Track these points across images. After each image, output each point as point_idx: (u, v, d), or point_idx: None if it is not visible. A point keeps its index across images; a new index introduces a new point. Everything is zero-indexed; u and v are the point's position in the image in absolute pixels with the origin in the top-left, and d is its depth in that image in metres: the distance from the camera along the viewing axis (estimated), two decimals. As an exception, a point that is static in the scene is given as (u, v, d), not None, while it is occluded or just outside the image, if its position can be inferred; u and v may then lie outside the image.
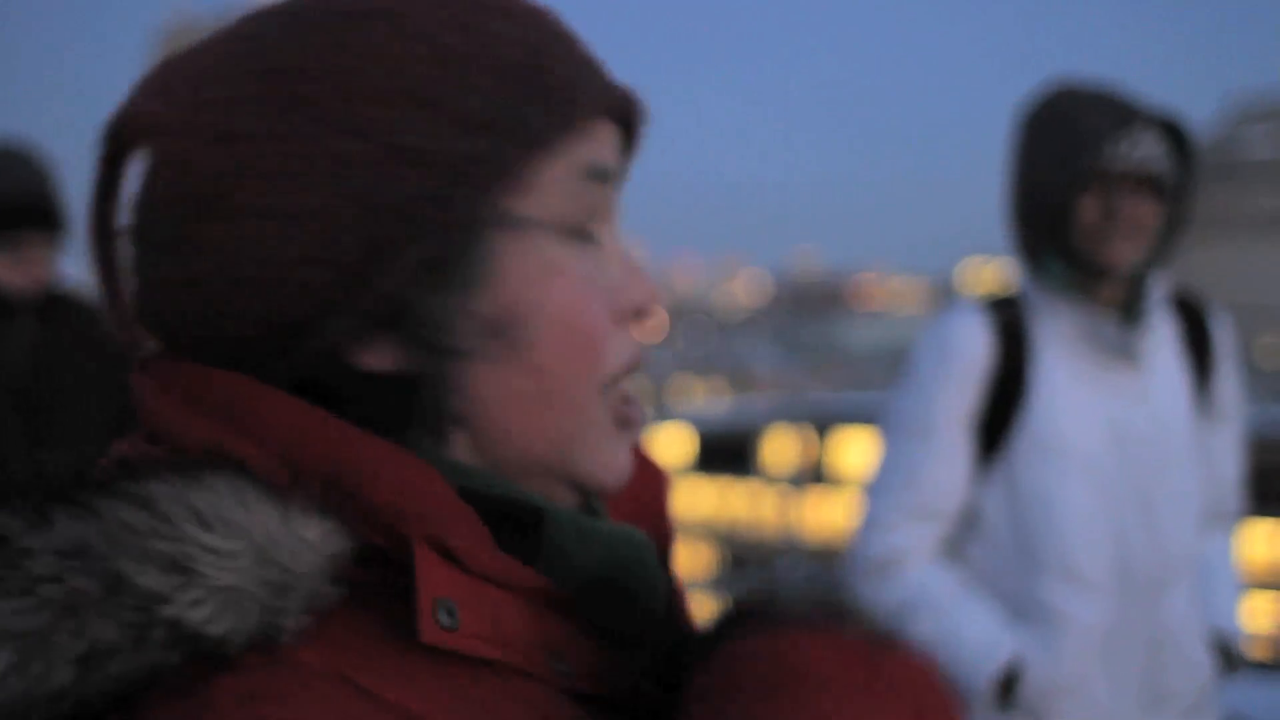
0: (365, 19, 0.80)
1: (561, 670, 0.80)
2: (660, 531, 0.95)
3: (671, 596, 0.91)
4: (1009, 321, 2.54)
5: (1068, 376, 2.51)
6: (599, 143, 0.85)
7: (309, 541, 0.74)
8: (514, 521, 0.82)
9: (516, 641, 0.78)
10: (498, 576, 0.78)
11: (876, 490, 2.59)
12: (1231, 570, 2.71)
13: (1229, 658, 2.60)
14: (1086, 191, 2.43)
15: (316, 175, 0.77)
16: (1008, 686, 2.45)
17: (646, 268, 0.88)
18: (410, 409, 0.81)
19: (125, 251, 0.83)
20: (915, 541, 2.54)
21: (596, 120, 0.85)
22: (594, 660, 0.82)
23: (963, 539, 2.57)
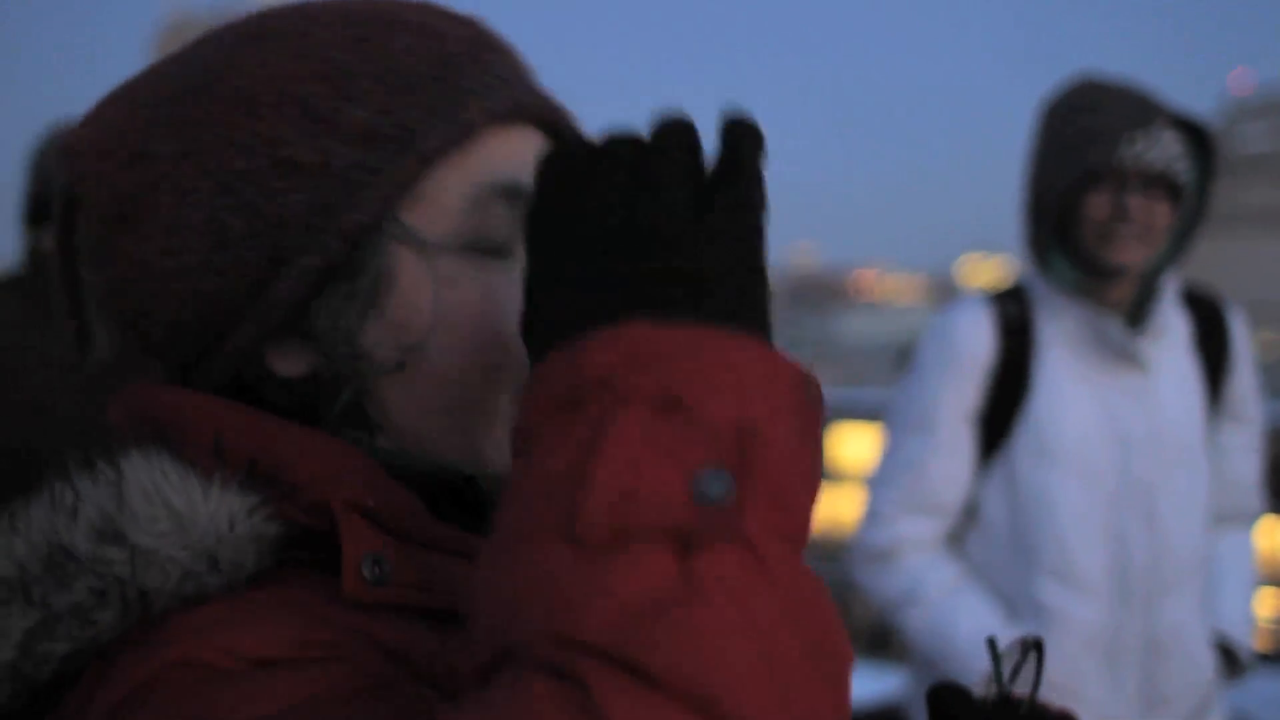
0: (263, 40, 0.85)
1: None
2: None
3: None
4: (1013, 317, 2.51)
5: (1070, 376, 2.49)
6: (512, 154, 0.85)
7: (230, 513, 0.78)
8: (455, 493, 0.85)
9: (458, 591, 0.79)
10: (439, 542, 0.81)
11: (878, 482, 2.59)
12: (1245, 572, 2.67)
13: (1233, 661, 2.58)
14: (1096, 188, 2.40)
15: (210, 190, 0.82)
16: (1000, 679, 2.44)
17: None
18: (328, 408, 0.85)
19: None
20: (914, 533, 2.53)
21: (506, 128, 0.86)
22: None
23: (964, 532, 2.57)
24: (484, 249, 0.85)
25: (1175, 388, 2.53)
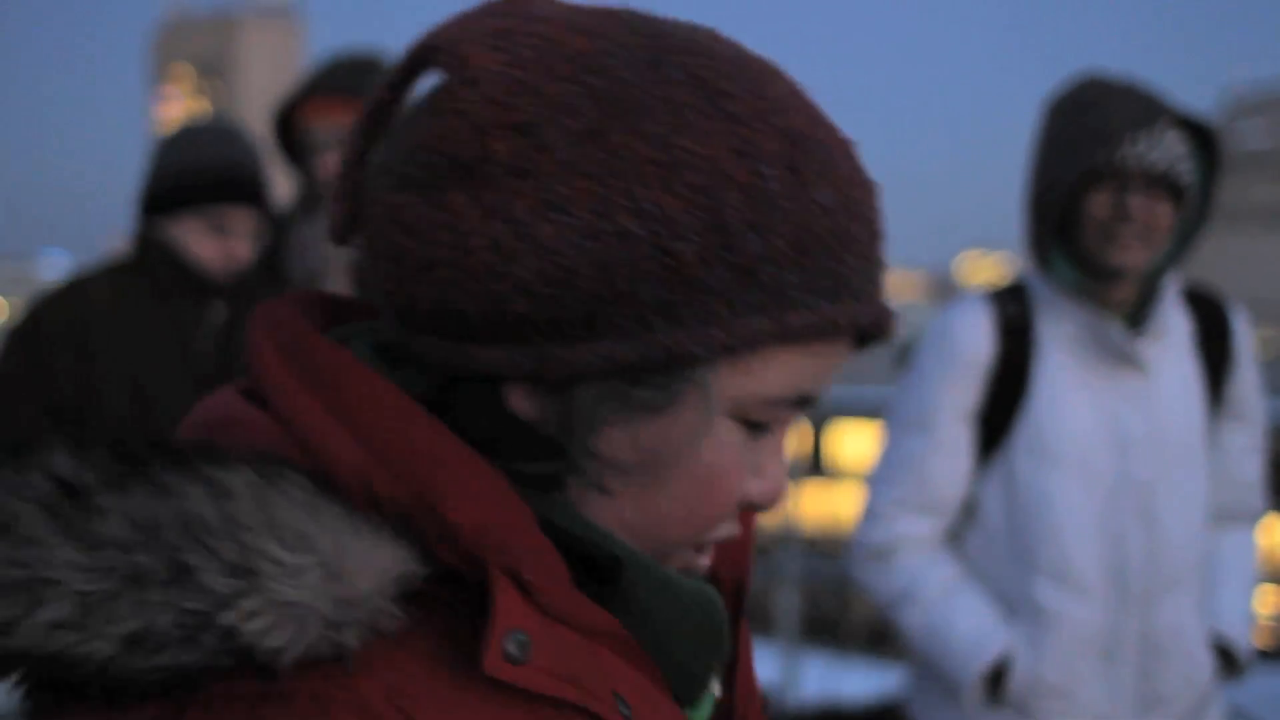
0: (711, 98, 0.77)
1: (625, 714, 0.78)
2: (737, 572, 0.94)
3: (734, 653, 0.91)
4: (1013, 317, 2.50)
5: (1070, 377, 2.48)
6: (827, 360, 0.81)
7: (379, 560, 0.73)
8: (593, 563, 0.80)
9: (585, 680, 0.77)
10: (570, 616, 0.77)
11: (876, 481, 2.59)
12: (1245, 571, 2.67)
13: (1231, 661, 2.59)
14: (1098, 188, 2.38)
15: (578, 223, 0.74)
16: (995, 682, 2.46)
17: (784, 472, 0.86)
18: (522, 451, 0.79)
19: (380, 148, 0.81)
20: (913, 532, 2.53)
21: (847, 335, 0.81)
22: (659, 711, 0.81)
23: (962, 530, 2.57)
24: (756, 426, 0.81)
25: (1175, 388, 2.53)
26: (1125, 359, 2.47)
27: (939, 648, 2.48)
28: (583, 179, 0.74)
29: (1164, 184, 2.38)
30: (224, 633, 0.69)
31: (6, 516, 0.72)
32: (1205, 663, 2.53)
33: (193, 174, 2.86)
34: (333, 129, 3.08)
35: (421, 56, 0.79)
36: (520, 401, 0.78)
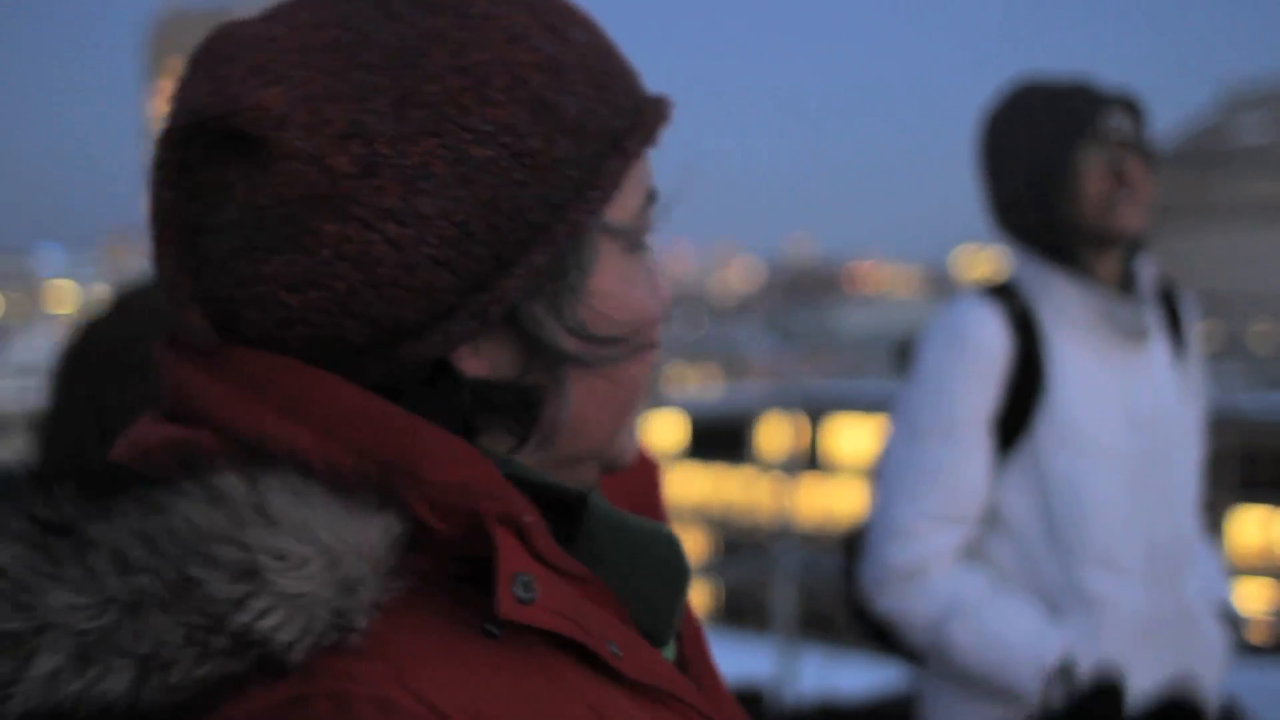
0: (456, 14, 0.80)
1: (614, 652, 0.80)
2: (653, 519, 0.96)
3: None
4: (1018, 310, 2.47)
5: (1082, 362, 2.46)
6: (648, 155, 0.86)
7: (371, 537, 0.73)
8: (554, 512, 0.82)
9: (582, 620, 0.78)
10: (557, 562, 0.79)
11: (896, 494, 2.44)
12: (1211, 548, 2.69)
13: (1236, 631, 2.60)
14: (1090, 162, 2.41)
15: (447, 180, 0.77)
16: (1065, 680, 2.37)
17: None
18: (486, 410, 0.81)
19: (211, 244, 0.78)
20: (941, 547, 2.41)
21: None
22: (641, 650, 0.83)
23: (982, 538, 2.47)
24: (640, 245, 0.86)
25: (1164, 367, 2.55)
26: (1133, 329, 2.47)
27: (996, 658, 2.37)
28: (422, 140, 0.77)
29: (1143, 151, 2.45)
30: (236, 634, 0.69)
31: None
32: (1222, 634, 2.53)
33: None
34: None
35: (199, 130, 0.76)
36: (473, 363, 0.80)
